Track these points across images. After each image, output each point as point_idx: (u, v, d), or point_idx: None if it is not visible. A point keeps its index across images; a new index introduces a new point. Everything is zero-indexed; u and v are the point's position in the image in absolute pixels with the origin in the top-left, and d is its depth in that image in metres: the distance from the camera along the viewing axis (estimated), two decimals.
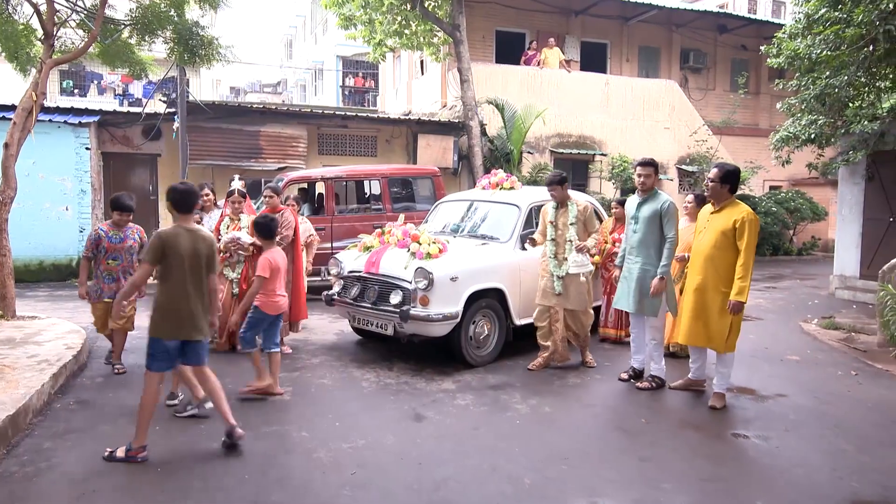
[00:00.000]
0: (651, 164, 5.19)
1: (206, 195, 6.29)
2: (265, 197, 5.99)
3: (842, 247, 10.60)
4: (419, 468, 3.65)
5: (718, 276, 4.64)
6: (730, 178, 4.70)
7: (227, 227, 6.05)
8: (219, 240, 5.78)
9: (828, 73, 8.12)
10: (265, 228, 4.87)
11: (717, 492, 3.46)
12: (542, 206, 6.05)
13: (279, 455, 3.79)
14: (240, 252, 5.93)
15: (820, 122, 8.72)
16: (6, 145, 6.86)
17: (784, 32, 8.93)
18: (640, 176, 5.16)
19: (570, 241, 5.47)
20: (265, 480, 3.46)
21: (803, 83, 8.70)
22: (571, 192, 5.80)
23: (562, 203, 5.59)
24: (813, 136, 8.87)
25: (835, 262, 10.77)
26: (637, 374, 5.41)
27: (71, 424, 4.12)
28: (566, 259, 5.47)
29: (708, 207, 4.91)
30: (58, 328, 6.30)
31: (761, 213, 15.52)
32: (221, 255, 5.76)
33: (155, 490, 3.33)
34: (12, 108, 9.96)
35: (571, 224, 5.50)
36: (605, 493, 3.39)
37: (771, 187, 17.91)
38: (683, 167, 16.35)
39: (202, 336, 3.81)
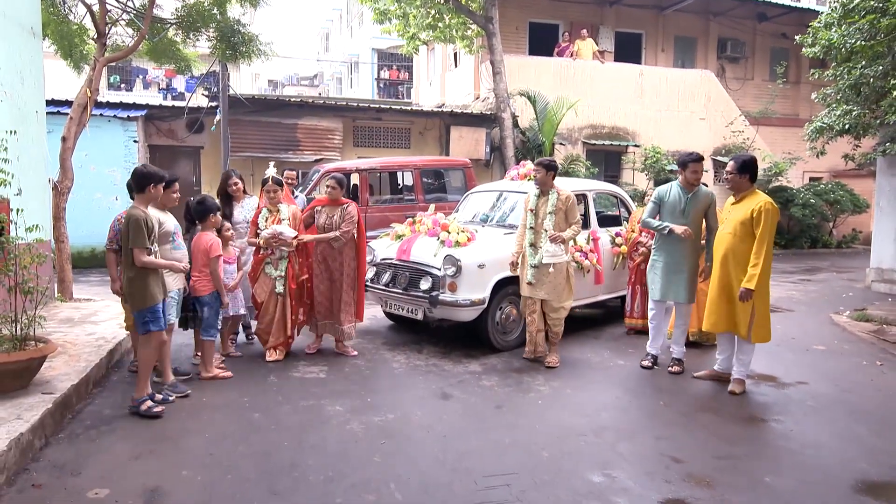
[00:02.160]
0: (702, 160, 5.39)
1: (235, 183, 5.85)
2: (328, 188, 5.62)
3: (879, 239, 10.44)
4: (444, 440, 3.91)
5: (739, 266, 4.74)
6: (747, 168, 4.82)
7: (266, 220, 5.49)
8: (256, 234, 5.45)
9: (863, 62, 8.03)
10: (194, 212, 5.04)
11: (727, 468, 3.62)
12: (576, 195, 6.18)
13: (315, 425, 4.09)
14: (283, 248, 5.42)
15: (854, 112, 8.61)
16: (64, 139, 7.34)
17: (819, 22, 8.84)
18: (695, 172, 5.29)
19: (546, 230, 5.40)
20: (302, 447, 3.76)
21: (838, 73, 8.61)
22: (558, 182, 5.64)
23: (543, 191, 5.52)
24: (847, 126, 8.77)
25: (872, 255, 10.61)
26: (655, 362, 5.56)
27: (126, 395, 4.47)
28: (541, 248, 5.43)
29: (730, 199, 5.02)
30: (111, 310, 6.74)
31: (799, 204, 15.28)
32: (262, 251, 5.44)
33: (204, 454, 3.66)
34: (64, 103, 10.54)
35: (550, 213, 5.40)
36: (618, 466, 3.59)
37: (811, 178, 17.57)
38: (719, 158, 16.17)
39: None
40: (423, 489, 3.29)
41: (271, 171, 5.57)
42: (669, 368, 5.43)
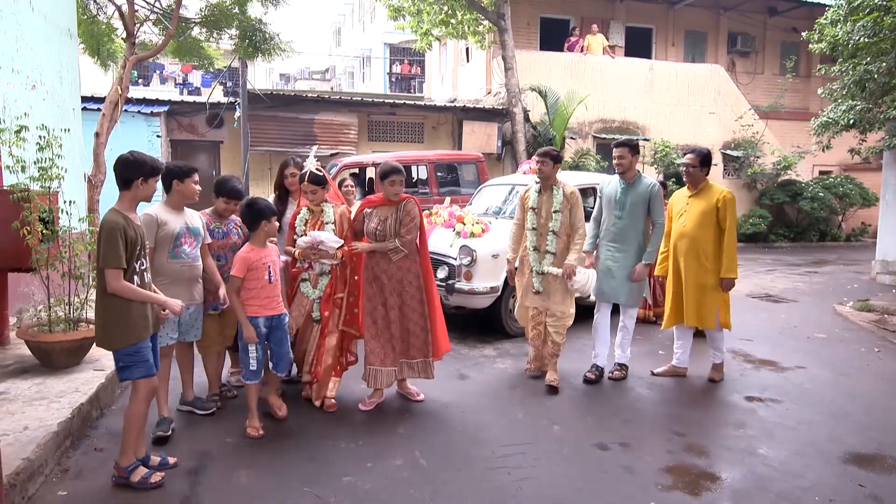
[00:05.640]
0: (626, 145, 4.85)
1: (293, 174, 4.64)
2: (391, 184, 4.18)
3: (884, 232, 10.63)
4: (462, 415, 4.24)
5: (705, 254, 4.78)
6: (707, 162, 4.88)
7: (305, 224, 4.23)
8: (294, 241, 4.20)
9: (868, 59, 8.24)
10: (242, 216, 3.95)
11: (725, 440, 3.92)
12: (584, 188, 6.44)
13: (341, 402, 4.41)
14: (323, 262, 4.17)
15: (858, 107, 8.83)
16: (97, 134, 7.71)
17: (826, 18, 9.04)
18: (617, 158, 4.84)
19: (554, 231, 4.72)
20: (332, 419, 4.11)
21: (844, 69, 8.82)
22: (561, 176, 4.93)
23: (545, 186, 4.81)
24: (852, 121, 8.98)
25: (877, 247, 10.80)
26: (602, 374, 5.06)
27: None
28: (549, 252, 4.76)
29: (682, 192, 5.03)
30: None
31: (808, 198, 15.43)
32: (299, 264, 4.21)
33: (243, 425, 3.99)
34: (90, 98, 10.93)
35: (556, 212, 4.71)
36: (624, 438, 3.90)
37: (821, 172, 17.71)
38: (728, 152, 16.37)
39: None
40: (444, 455, 3.62)
41: (312, 164, 4.18)
42: (610, 374, 5.05)
